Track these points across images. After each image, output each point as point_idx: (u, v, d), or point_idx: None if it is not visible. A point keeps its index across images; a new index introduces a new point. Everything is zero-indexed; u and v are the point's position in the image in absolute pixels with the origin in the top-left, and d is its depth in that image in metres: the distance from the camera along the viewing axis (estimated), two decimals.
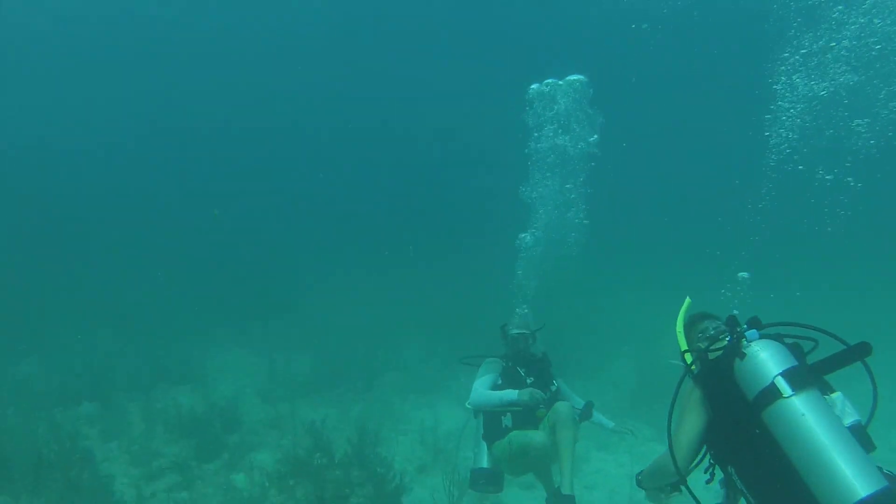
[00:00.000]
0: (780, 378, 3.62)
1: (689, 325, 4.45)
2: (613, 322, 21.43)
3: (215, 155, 44.76)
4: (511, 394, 7.16)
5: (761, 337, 3.87)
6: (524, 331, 7.63)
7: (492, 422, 7.36)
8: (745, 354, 3.80)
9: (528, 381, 7.39)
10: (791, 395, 3.56)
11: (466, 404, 7.47)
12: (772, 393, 3.61)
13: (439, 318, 22.11)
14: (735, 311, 4.14)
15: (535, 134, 12.03)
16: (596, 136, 11.91)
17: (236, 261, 30.90)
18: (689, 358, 4.16)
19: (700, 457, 4.03)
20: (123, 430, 12.85)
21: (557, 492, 6.70)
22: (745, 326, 3.99)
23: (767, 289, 12.42)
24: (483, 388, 7.33)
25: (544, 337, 8.01)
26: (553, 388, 7.44)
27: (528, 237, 11.05)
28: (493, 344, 8.01)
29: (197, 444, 11.59)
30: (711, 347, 4.10)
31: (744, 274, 10.13)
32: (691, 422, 4.00)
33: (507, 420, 7.22)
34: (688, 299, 4.51)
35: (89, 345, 18.25)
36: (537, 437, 6.90)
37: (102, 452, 11.56)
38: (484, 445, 7.44)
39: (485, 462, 7.36)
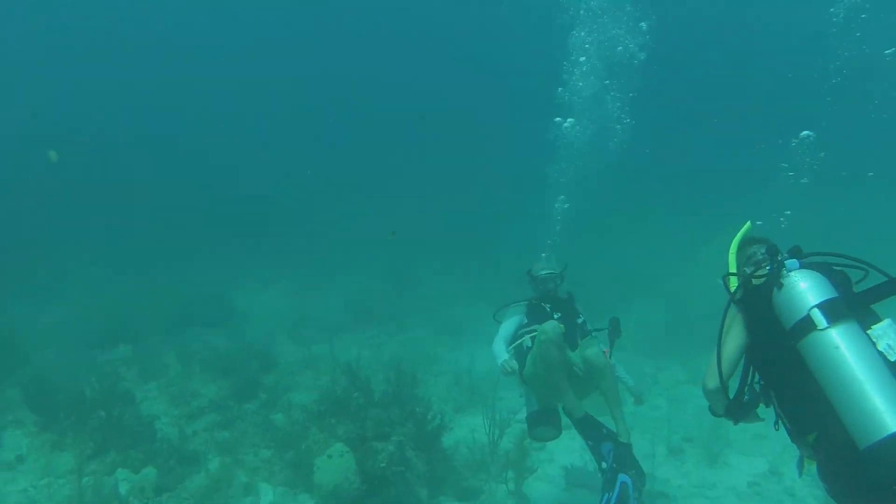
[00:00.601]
0: (815, 310, 3.60)
1: (740, 249, 4.39)
2: (644, 257, 21.27)
3: (239, 96, 44.48)
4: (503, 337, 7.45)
5: (802, 267, 3.82)
6: (551, 271, 7.70)
7: (520, 355, 7.35)
8: (783, 284, 3.77)
9: (555, 315, 7.41)
10: (826, 328, 3.52)
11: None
12: (807, 325, 3.59)
13: (467, 251, 22.10)
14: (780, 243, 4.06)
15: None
16: (644, 24, 11.53)
17: (263, 203, 31.01)
18: (733, 283, 4.13)
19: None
20: (160, 372, 12.99)
21: (616, 440, 6.72)
22: (786, 255, 3.94)
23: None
24: (500, 336, 7.47)
25: (570, 276, 8.03)
26: (579, 321, 7.49)
27: (567, 123, 10.74)
28: (521, 290, 8.06)
29: (234, 384, 11.67)
30: (755, 274, 4.10)
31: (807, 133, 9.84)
32: (732, 342, 4.02)
33: (527, 341, 7.30)
34: (748, 223, 4.44)
35: (120, 289, 18.36)
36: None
37: (141, 393, 11.70)
38: (525, 387, 7.47)
39: (535, 404, 7.37)
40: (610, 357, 7.25)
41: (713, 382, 4.00)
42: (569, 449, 9.32)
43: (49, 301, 18.86)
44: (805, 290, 3.68)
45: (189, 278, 20.02)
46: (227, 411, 10.82)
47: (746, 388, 4.00)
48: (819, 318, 3.55)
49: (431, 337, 16.01)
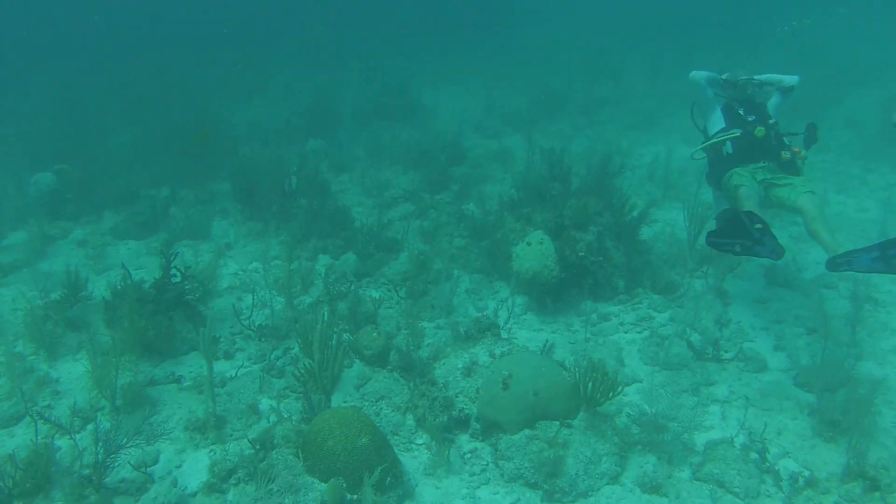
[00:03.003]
0: None
1: None
2: (863, 45, 18.95)
3: None
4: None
5: None
6: (750, 77, 7.65)
7: (715, 160, 7.43)
8: None
9: (750, 118, 7.42)
10: None
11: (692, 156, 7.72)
12: None
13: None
14: None
15: None
16: None
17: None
18: None
19: None
20: (351, 164, 13.16)
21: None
22: None
23: None
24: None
25: None
26: (771, 122, 7.36)
27: None
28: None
29: (425, 175, 11.61)
30: None
31: None
32: None
33: (727, 148, 7.32)
34: None
35: (310, 87, 18.58)
36: (750, 199, 6.72)
37: (336, 184, 11.91)
38: (713, 188, 7.65)
39: (724, 204, 7.36)
40: (803, 162, 7.17)
41: None
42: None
43: (249, 98, 19.52)
44: None
45: (378, 71, 19.92)
46: (420, 201, 10.82)
47: None
48: None
49: (621, 131, 15.18)
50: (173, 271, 7.26)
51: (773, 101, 7.70)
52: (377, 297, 7.67)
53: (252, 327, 7.26)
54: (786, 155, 7.06)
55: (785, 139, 7.30)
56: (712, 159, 7.60)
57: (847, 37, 20.92)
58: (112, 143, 15.08)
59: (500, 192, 10.07)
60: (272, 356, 6.83)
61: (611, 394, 5.32)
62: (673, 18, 25.20)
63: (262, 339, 7.14)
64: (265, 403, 6.07)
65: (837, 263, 5.61)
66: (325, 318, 6.69)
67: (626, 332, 7.24)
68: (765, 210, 6.94)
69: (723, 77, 7.76)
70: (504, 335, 6.80)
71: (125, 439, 5.09)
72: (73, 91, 18.62)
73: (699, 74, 7.81)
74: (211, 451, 5.47)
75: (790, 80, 7.54)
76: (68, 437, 5.53)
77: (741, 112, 7.52)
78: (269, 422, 5.74)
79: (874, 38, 21.08)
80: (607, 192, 8.82)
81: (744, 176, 6.97)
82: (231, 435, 5.65)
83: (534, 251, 7.39)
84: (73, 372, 6.68)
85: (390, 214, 10.42)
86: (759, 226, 5.45)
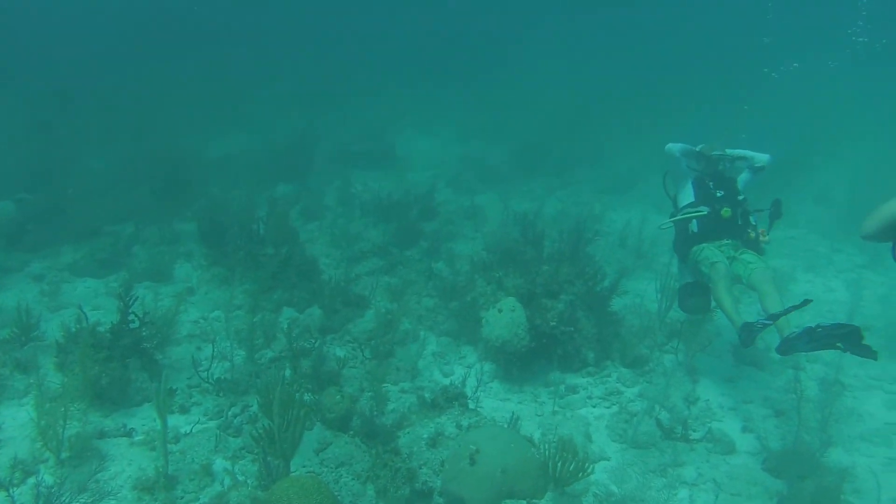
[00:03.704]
0: None
1: None
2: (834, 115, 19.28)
3: None
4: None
5: None
6: (722, 153, 7.75)
7: (681, 233, 7.62)
8: None
9: (718, 193, 7.59)
10: None
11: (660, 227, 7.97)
12: None
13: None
14: None
15: None
16: None
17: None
18: None
19: None
20: (322, 212, 13.01)
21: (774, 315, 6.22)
22: None
23: None
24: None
25: None
26: (740, 198, 7.60)
27: None
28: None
29: (395, 229, 11.49)
30: None
31: None
32: None
33: (693, 226, 7.53)
34: None
35: (285, 126, 18.43)
36: (723, 280, 6.89)
37: (305, 233, 11.71)
38: (678, 260, 7.84)
39: (688, 276, 7.59)
40: (766, 236, 7.45)
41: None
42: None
43: (223, 135, 19.27)
44: None
45: (351, 118, 19.89)
46: (390, 256, 10.67)
47: None
48: None
49: (595, 194, 15.23)
50: (131, 316, 7.00)
51: (743, 177, 7.87)
52: (342, 356, 7.47)
53: (210, 380, 6.99)
54: (751, 234, 7.40)
55: (751, 217, 7.56)
56: (679, 232, 7.75)
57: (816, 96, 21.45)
58: (83, 170, 14.72)
59: (470, 252, 9.99)
60: (230, 413, 6.57)
61: (580, 474, 5.19)
62: (654, 82, 25.67)
63: (221, 394, 6.88)
64: (220, 464, 5.81)
65: (784, 350, 5.88)
66: (288, 377, 6.50)
67: (594, 407, 7.11)
68: (735, 285, 7.09)
69: (697, 149, 7.85)
70: (472, 405, 6.63)
71: (68, 497, 4.82)
72: (47, 113, 18.20)
73: (674, 147, 7.87)
74: None
75: (761, 158, 7.73)
76: (5, 492, 5.19)
77: (711, 185, 7.66)
78: (223, 485, 5.48)
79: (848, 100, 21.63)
80: (580, 260, 8.77)
81: (715, 252, 7.16)
82: (182, 497, 5.37)
83: (505, 318, 7.28)
84: (18, 418, 6.34)
85: (358, 268, 10.24)
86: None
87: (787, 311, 6.00)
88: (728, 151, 7.75)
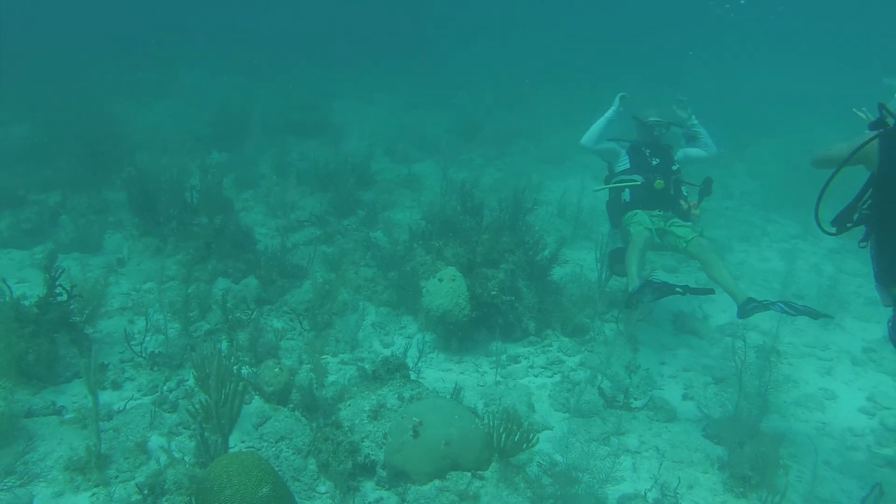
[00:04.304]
0: None
1: None
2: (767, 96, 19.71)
3: None
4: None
5: None
6: (659, 119, 7.85)
7: (614, 200, 7.85)
8: None
9: (654, 161, 7.73)
10: None
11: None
12: None
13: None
14: None
15: None
16: None
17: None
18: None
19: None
20: (257, 181, 12.71)
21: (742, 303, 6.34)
22: None
23: None
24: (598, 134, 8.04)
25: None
26: (675, 168, 7.77)
27: None
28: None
29: (332, 198, 11.28)
30: None
31: None
32: (851, 147, 4.20)
33: (625, 195, 7.73)
34: None
35: (218, 94, 17.94)
36: (638, 244, 7.13)
37: (239, 202, 11.44)
38: (611, 226, 8.12)
39: (619, 242, 7.95)
40: (697, 210, 7.63)
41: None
42: (678, 297, 8.80)
43: (153, 100, 18.68)
44: None
45: (291, 87, 19.49)
46: (327, 226, 10.48)
47: (857, 208, 4.18)
48: None
49: (533, 164, 15.21)
50: (58, 289, 6.71)
51: (681, 153, 8.00)
52: (279, 328, 7.32)
53: (144, 354, 6.77)
54: (683, 206, 7.54)
55: (683, 188, 7.73)
56: (612, 199, 7.92)
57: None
58: (6, 135, 14.09)
59: (408, 221, 9.87)
60: (165, 388, 6.38)
61: (525, 445, 5.17)
62: (593, 52, 25.88)
63: (155, 369, 6.66)
64: (155, 441, 5.61)
65: (746, 311, 6.07)
66: (224, 350, 6.33)
67: (536, 376, 7.12)
68: (658, 252, 7.31)
69: (638, 117, 8.02)
70: (413, 376, 6.56)
71: None
72: None
73: (587, 138, 8.03)
74: (93, 495, 4.97)
75: (709, 151, 7.94)
76: None
77: (647, 153, 7.79)
78: (159, 463, 5.30)
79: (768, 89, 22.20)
80: (519, 229, 8.74)
81: (646, 219, 7.37)
82: (117, 477, 5.17)
83: (446, 288, 7.21)
84: None
85: (295, 238, 10.06)
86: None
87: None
88: (693, 120, 7.87)
